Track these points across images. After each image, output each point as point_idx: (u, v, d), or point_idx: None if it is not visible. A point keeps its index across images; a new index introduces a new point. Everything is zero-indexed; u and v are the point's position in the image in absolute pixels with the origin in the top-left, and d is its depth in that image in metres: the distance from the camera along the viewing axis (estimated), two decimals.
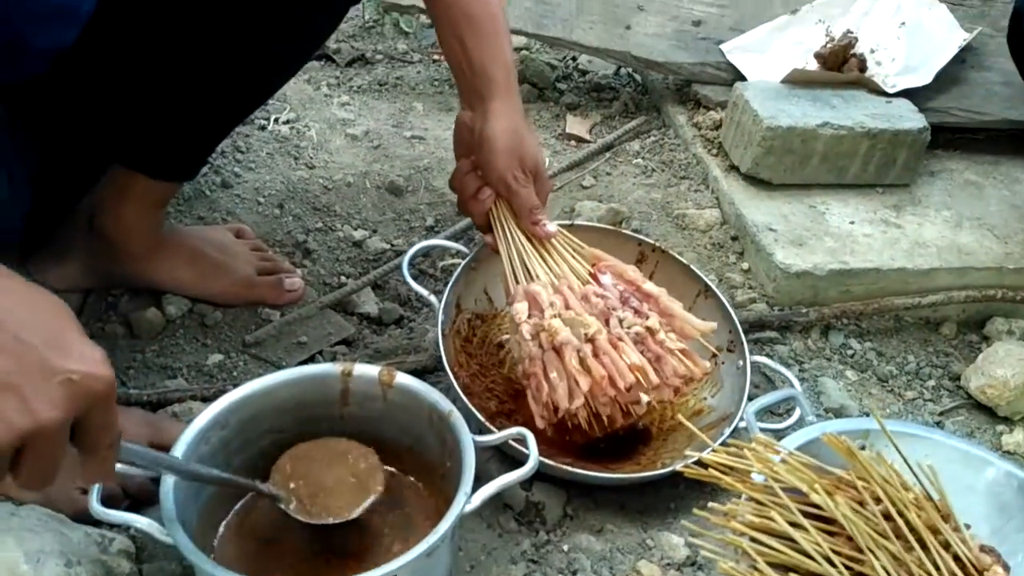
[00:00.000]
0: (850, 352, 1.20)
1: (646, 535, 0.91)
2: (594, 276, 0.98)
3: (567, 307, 0.92)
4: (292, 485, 0.80)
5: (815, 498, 0.69)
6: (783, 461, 0.74)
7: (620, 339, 0.90)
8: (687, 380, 0.92)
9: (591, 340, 0.89)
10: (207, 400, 1.01)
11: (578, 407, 0.86)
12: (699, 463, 0.80)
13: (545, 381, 0.88)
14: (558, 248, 1.00)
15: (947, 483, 0.82)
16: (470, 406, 0.92)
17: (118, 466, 0.67)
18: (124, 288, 1.14)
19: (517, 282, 0.97)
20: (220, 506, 0.85)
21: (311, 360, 1.11)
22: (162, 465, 0.75)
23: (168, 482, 0.75)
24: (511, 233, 1.00)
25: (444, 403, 0.83)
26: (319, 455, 0.83)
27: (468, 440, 0.78)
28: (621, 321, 0.92)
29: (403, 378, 0.86)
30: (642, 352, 0.91)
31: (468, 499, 0.74)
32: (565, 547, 0.89)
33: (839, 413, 1.10)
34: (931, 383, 1.18)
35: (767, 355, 1.16)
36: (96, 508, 0.74)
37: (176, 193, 1.24)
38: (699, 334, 0.96)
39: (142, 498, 0.87)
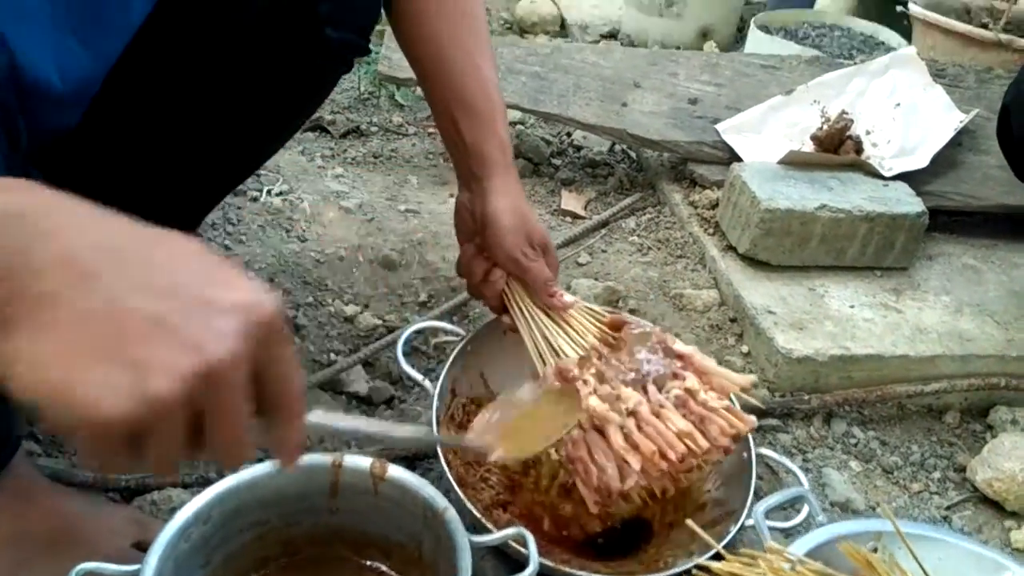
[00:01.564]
0: (853, 441, 1.17)
1: None
2: (622, 340, 0.95)
3: (602, 380, 0.89)
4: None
5: None
6: (796, 572, 0.70)
7: (662, 406, 0.86)
8: (735, 438, 0.88)
9: (633, 413, 0.85)
10: (187, 487, 0.98)
11: (631, 487, 0.82)
12: (707, 570, 0.76)
13: (592, 464, 0.84)
14: (579, 319, 0.97)
15: None
16: (464, 499, 0.88)
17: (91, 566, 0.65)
18: None
19: (544, 363, 0.94)
20: None
21: None
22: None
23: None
24: (528, 311, 0.97)
25: (439, 500, 0.79)
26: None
27: (464, 542, 0.74)
28: (660, 388, 0.88)
29: (395, 471, 0.82)
30: (684, 416, 0.87)
31: None
32: None
33: (845, 507, 1.07)
34: (936, 475, 1.15)
35: (769, 443, 1.14)
36: None
37: None
38: (739, 388, 0.93)
39: None
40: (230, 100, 0.89)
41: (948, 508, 1.11)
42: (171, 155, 0.91)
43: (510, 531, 0.78)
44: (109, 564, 0.72)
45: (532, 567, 0.73)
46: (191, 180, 0.96)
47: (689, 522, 0.81)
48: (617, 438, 0.84)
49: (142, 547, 0.81)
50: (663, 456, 0.83)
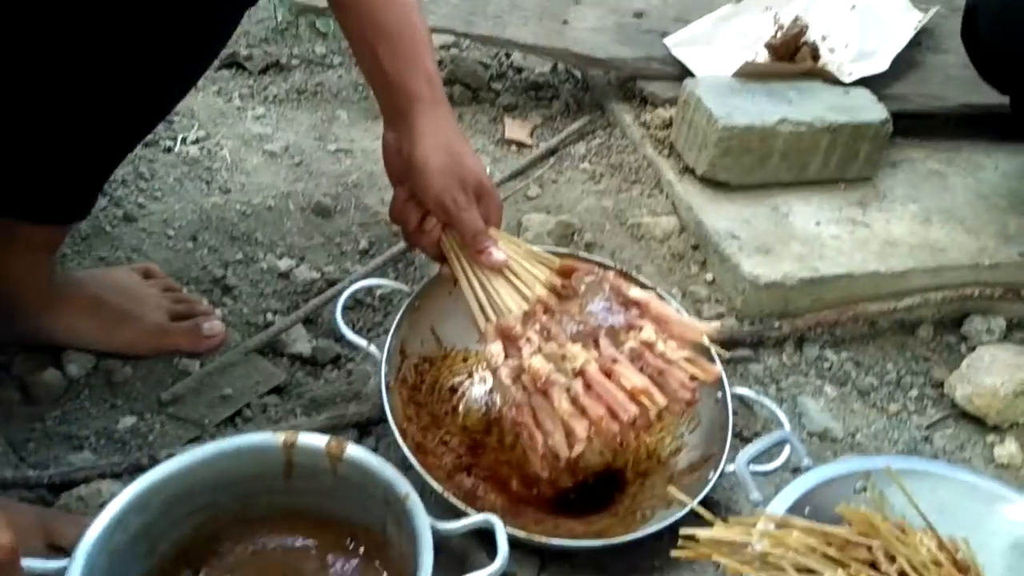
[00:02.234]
0: (827, 365, 1.12)
1: None
2: (572, 289, 0.87)
3: (548, 337, 0.81)
4: None
5: None
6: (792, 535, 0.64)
7: (615, 361, 0.79)
8: (697, 390, 0.82)
9: (580, 373, 0.78)
10: (118, 476, 0.89)
11: (579, 453, 0.76)
12: (693, 539, 0.69)
13: (538, 430, 0.77)
14: (524, 266, 0.89)
15: (956, 520, 0.75)
16: (423, 473, 0.81)
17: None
18: (17, 347, 0.99)
19: (487, 319, 0.86)
20: None
21: (238, 414, 0.99)
22: None
23: None
24: (468, 262, 0.89)
25: (401, 485, 0.72)
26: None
27: (427, 535, 0.68)
28: (614, 340, 0.81)
29: (354, 450, 0.75)
30: (641, 369, 0.80)
31: None
32: None
33: (823, 436, 1.02)
34: (914, 392, 1.10)
35: (741, 375, 1.08)
36: None
37: (70, 232, 1.09)
38: (700, 337, 0.86)
39: None
40: (119, 37, 0.76)
41: (928, 427, 1.07)
42: (58, 103, 0.79)
43: (478, 518, 0.73)
44: (32, 560, 0.66)
45: (500, 561, 0.67)
46: (84, 135, 0.84)
47: (671, 489, 0.75)
48: (562, 402, 0.77)
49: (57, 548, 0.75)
50: (614, 417, 0.76)
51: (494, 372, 0.81)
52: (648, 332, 0.83)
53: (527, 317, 0.84)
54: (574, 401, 0.76)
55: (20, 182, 0.85)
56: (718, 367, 0.87)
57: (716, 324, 0.92)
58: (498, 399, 0.85)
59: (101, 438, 0.94)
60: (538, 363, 0.78)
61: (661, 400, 0.79)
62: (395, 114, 0.90)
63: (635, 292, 0.87)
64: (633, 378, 0.79)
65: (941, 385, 1.11)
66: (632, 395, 0.78)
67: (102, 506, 0.72)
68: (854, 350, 1.15)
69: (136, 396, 0.99)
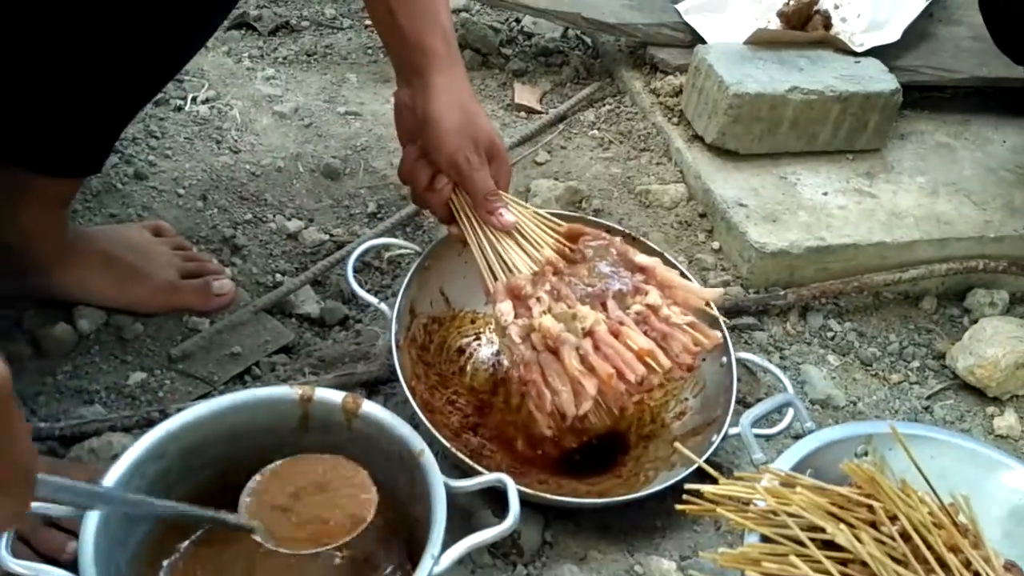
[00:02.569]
0: (830, 334, 1.13)
1: (634, 560, 0.83)
2: (580, 253, 0.88)
3: (557, 298, 0.82)
4: (264, 511, 0.70)
5: (840, 539, 0.61)
6: (796, 491, 0.65)
7: (622, 323, 0.80)
8: (698, 355, 0.83)
9: (590, 333, 0.79)
10: (128, 430, 0.90)
11: (586, 411, 0.77)
12: (698, 494, 0.71)
13: (546, 387, 0.78)
14: (533, 229, 0.89)
15: (956, 486, 0.76)
16: (432, 429, 0.82)
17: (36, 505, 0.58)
18: (28, 302, 1.00)
19: (495, 278, 0.86)
20: (159, 551, 0.74)
21: (247, 372, 1.00)
22: (97, 500, 0.64)
23: (90, 525, 0.65)
24: (478, 222, 0.89)
25: (415, 441, 0.73)
26: (298, 475, 0.72)
27: (440, 490, 0.68)
28: (621, 303, 0.81)
29: (369, 407, 0.75)
30: (646, 333, 0.81)
31: (436, 561, 0.64)
32: None
33: (825, 404, 1.03)
34: (915, 364, 1.11)
35: (745, 342, 1.09)
36: (4, 558, 0.63)
37: (81, 189, 1.10)
38: (704, 303, 0.87)
39: (51, 556, 0.75)
40: None
41: (929, 397, 1.08)
42: (73, 58, 0.79)
43: (490, 477, 0.73)
44: (51, 504, 0.65)
45: (512, 519, 0.68)
46: (97, 91, 0.84)
47: (677, 445, 0.76)
48: (572, 360, 0.78)
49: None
50: (621, 377, 0.77)
51: (503, 330, 0.82)
52: (654, 296, 0.84)
53: (536, 277, 0.84)
54: (583, 360, 0.77)
55: (35, 135, 0.85)
56: (720, 334, 0.87)
57: (720, 291, 0.93)
58: (505, 359, 0.85)
59: (111, 393, 0.95)
60: (548, 322, 0.79)
61: (666, 363, 0.80)
62: (410, 71, 0.90)
63: (641, 257, 0.88)
64: (639, 340, 0.80)
65: (943, 356, 1.12)
66: (639, 356, 0.79)
67: (114, 458, 0.72)
68: (858, 320, 1.16)
69: (146, 352, 0.99)
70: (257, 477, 0.72)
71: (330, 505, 0.71)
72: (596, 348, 0.78)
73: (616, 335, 0.80)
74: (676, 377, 0.90)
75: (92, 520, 0.66)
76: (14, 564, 0.63)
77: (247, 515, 0.69)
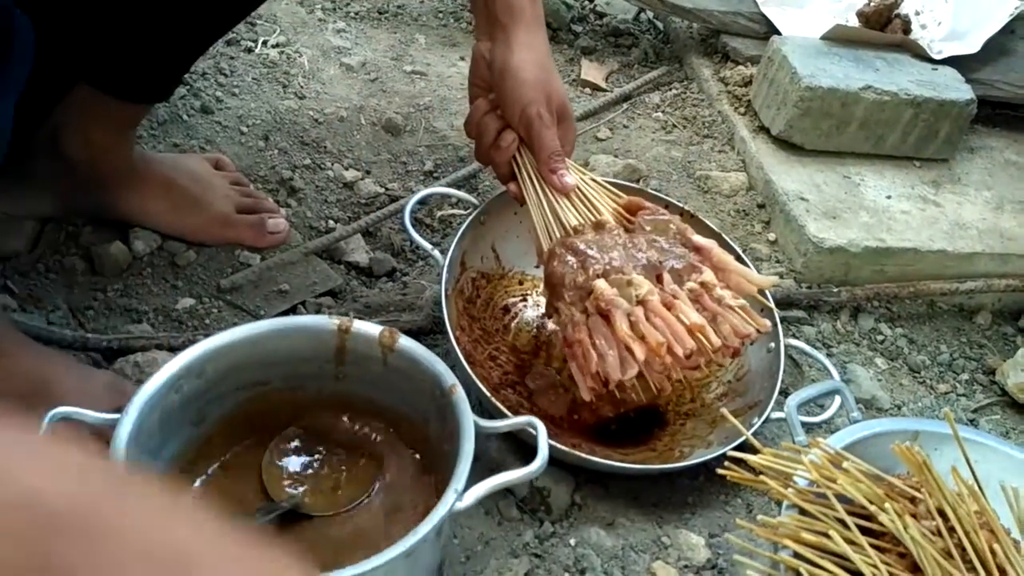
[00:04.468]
0: (880, 338, 1.11)
1: (662, 532, 0.82)
2: (638, 226, 0.87)
3: (612, 264, 0.81)
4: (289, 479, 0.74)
5: (883, 519, 0.60)
6: (842, 470, 0.64)
7: (675, 297, 0.79)
8: (747, 340, 0.82)
9: (642, 302, 0.78)
10: (174, 350, 0.90)
11: (630, 378, 0.75)
12: (740, 462, 0.70)
13: (593, 349, 0.77)
14: (593, 195, 0.88)
15: (999, 494, 0.74)
16: (473, 377, 0.81)
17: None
18: (87, 218, 1.01)
19: (551, 239, 0.86)
20: (191, 466, 0.75)
21: (292, 311, 1.00)
22: None
23: (122, 433, 0.65)
24: (539, 182, 0.88)
25: (448, 377, 0.72)
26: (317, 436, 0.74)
27: (470, 425, 0.68)
28: (675, 279, 0.80)
29: (406, 342, 0.75)
30: (697, 311, 0.80)
31: (459, 496, 0.64)
32: (572, 541, 0.79)
33: (869, 404, 1.02)
34: (964, 376, 1.09)
35: (793, 335, 1.07)
36: None
37: (149, 115, 1.11)
38: (757, 289, 0.86)
39: None
40: None
41: (975, 411, 1.05)
42: None
43: (521, 419, 0.72)
44: (86, 410, 0.67)
45: (540, 461, 0.67)
46: (171, 24, 0.85)
47: (724, 411, 0.75)
48: (623, 325, 0.77)
49: None
50: (670, 350, 0.76)
51: (556, 290, 0.81)
52: (708, 275, 0.83)
53: (595, 244, 0.83)
54: (633, 327, 0.76)
55: (110, 58, 0.87)
56: (769, 322, 0.86)
57: (774, 278, 0.91)
58: (551, 321, 0.84)
59: (159, 315, 0.96)
60: (602, 285, 0.78)
61: (716, 341, 0.78)
62: (494, 25, 0.89)
63: (698, 238, 0.87)
64: (691, 315, 0.79)
65: (993, 372, 1.10)
66: (689, 331, 0.78)
67: (147, 380, 0.72)
68: (909, 327, 1.13)
69: (196, 280, 1.00)
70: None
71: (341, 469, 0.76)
72: (647, 318, 0.77)
73: (669, 308, 0.79)
74: (721, 361, 0.89)
75: (125, 428, 0.66)
76: None
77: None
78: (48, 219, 1.00)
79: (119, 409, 0.76)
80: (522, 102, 0.86)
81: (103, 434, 0.73)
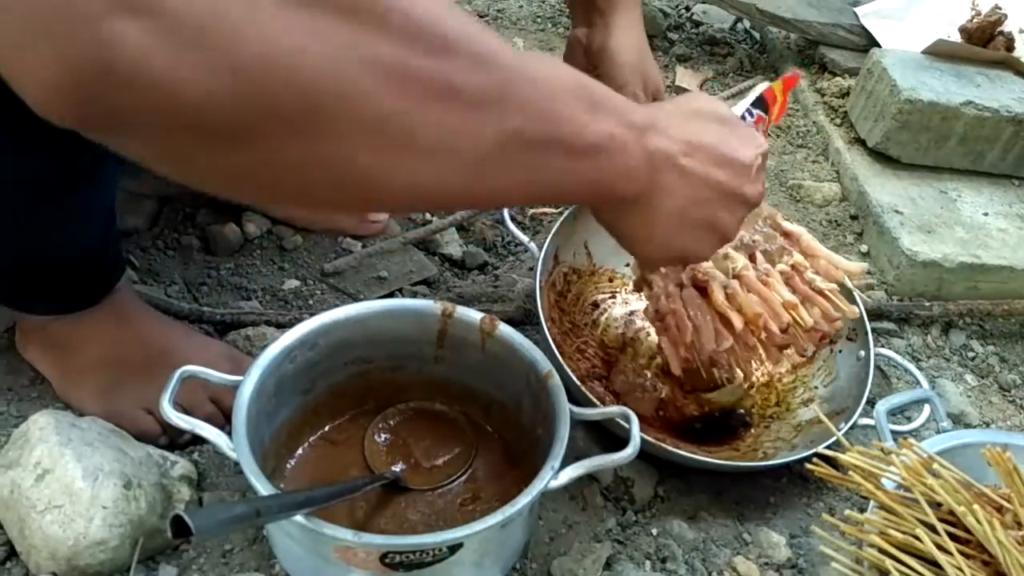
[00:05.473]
0: (971, 355, 1.10)
1: (743, 528, 0.83)
2: None
3: None
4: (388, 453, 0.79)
5: (970, 522, 0.60)
6: (935, 474, 0.65)
7: (768, 275, 0.80)
8: (834, 327, 0.83)
9: (738, 276, 0.79)
10: (282, 327, 0.96)
11: (725, 349, 0.77)
12: (828, 460, 0.71)
13: (688, 320, 0.79)
14: None
15: None
16: (565, 367, 0.84)
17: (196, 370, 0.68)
18: (203, 200, 1.08)
19: None
20: (298, 432, 0.79)
21: (389, 296, 1.04)
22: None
23: (245, 392, 0.70)
24: None
25: (544, 363, 0.75)
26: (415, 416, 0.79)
27: (565, 409, 0.70)
28: (767, 257, 0.82)
29: (505, 329, 0.78)
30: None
31: (555, 475, 0.66)
32: (654, 531, 0.81)
33: (957, 420, 1.01)
34: None
35: (883, 347, 1.07)
36: (167, 410, 0.67)
37: None
38: (845, 276, 0.86)
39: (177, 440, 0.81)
40: None
41: None
42: None
43: (614, 409, 0.74)
44: (212, 370, 0.71)
45: (632, 448, 0.69)
46: None
47: (814, 407, 0.76)
48: (719, 296, 0.78)
49: None
50: (765, 325, 0.77)
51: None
52: (799, 258, 0.84)
53: None
54: (730, 299, 0.78)
55: None
56: (855, 308, 0.86)
57: (864, 265, 0.91)
58: (643, 296, 0.85)
59: (267, 294, 1.01)
60: None
61: (808, 320, 0.79)
62: (592, 11, 0.91)
63: (788, 224, 0.88)
64: (785, 293, 0.80)
65: None
66: (784, 308, 0.79)
67: (265, 348, 0.76)
68: (1001, 345, 1.12)
69: (302, 263, 1.06)
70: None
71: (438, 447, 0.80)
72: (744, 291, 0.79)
73: (764, 284, 0.81)
74: (807, 349, 0.89)
75: (248, 388, 0.71)
76: (176, 417, 0.69)
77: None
78: (168, 199, 1.07)
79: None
80: (617, 83, 0.88)
81: (222, 397, 0.80)
